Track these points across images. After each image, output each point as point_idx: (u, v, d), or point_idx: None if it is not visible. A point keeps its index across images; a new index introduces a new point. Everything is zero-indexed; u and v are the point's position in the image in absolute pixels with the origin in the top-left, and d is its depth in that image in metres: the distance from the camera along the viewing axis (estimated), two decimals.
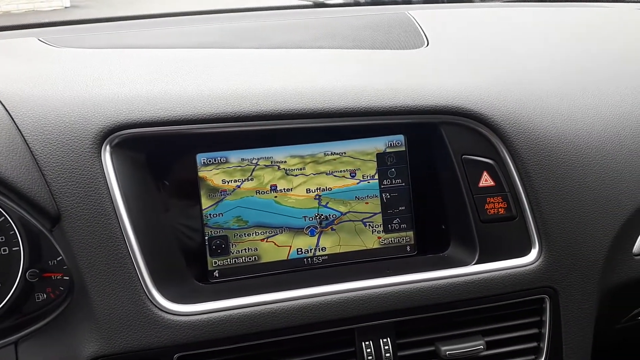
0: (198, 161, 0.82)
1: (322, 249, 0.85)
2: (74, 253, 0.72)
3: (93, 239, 0.72)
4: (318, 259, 0.85)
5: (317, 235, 0.85)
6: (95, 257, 0.72)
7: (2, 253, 0.73)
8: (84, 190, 0.72)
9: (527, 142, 0.83)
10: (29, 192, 0.70)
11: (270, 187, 0.83)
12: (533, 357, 0.83)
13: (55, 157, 0.72)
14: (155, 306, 0.72)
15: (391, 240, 0.87)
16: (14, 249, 0.73)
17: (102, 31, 1.27)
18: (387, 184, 0.86)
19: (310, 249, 0.85)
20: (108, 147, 0.74)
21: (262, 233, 0.84)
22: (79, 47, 1.04)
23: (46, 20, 1.40)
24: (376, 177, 0.86)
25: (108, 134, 0.74)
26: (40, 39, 1.10)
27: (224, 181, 0.82)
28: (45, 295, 0.77)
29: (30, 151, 0.72)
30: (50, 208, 0.71)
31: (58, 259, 0.76)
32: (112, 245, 0.72)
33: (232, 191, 0.82)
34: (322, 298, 0.76)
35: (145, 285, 0.73)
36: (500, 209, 0.82)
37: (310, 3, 1.64)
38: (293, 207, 0.84)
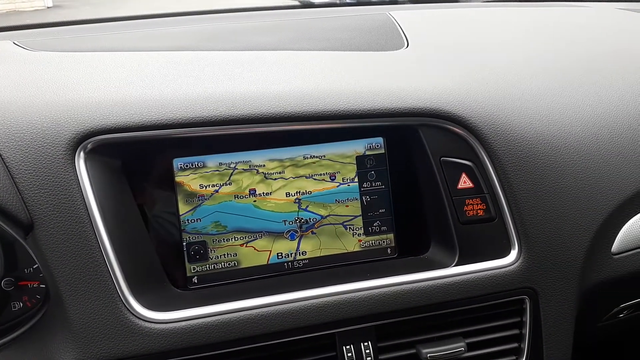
0: (175, 166, 0.81)
1: (302, 253, 0.84)
2: (48, 262, 0.71)
3: (67, 248, 0.70)
4: (298, 263, 0.84)
5: (297, 239, 0.84)
6: (70, 265, 0.70)
7: None
8: (58, 198, 0.71)
9: (505, 143, 0.83)
10: (0, 201, 0.69)
11: (249, 191, 0.83)
12: (514, 357, 0.84)
13: (27, 164, 0.71)
14: (133, 314, 0.71)
15: (372, 243, 0.87)
16: None
17: (81, 33, 1.25)
18: (367, 187, 0.86)
19: (291, 253, 0.84)
20: (82, 153, 0.73)
21: (242, 238, 0.83)
22: (54, 51, 1.02)
23: (27, 21, 1.38)
24: (356, 180, 0.86)
25: (82, 140, 0.73)
26: (15, 42, 1.08)
27: (201, 186, 0.81)
28: (21, 304, 0.76)
29: (1, 158, 0.71)
30: (22, 217, 0.70)
31: (34, 267, 0.75)
32: (87, 254, 0.71)
33: (210, 196, 0.82)
34: (302, 303, 0.76)
35: (122, 293, 0.71)
36: (479, 211, 0.83)
37: (296, 3, 1.64)
38: (272, 211, 0.83)
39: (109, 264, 0.71)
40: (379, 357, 0.78)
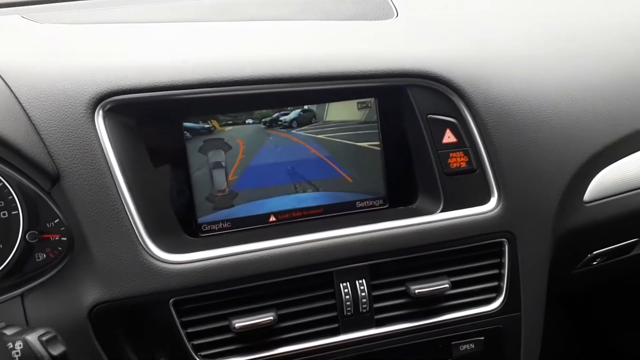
0: (185, 126, 0.88)
1: (302, 203, 0.92)
2: (74, 210, 0.78)
3: (91, 196, 0.78)
4: (299, 213, 0.92)
5: (299, 191, 0.92)
6: (93, 212, 0.78)
7: (2, 217, 0.79)
8: (80, 152, 0.78)
9: (486, 102, 0.91)
10: (31, 154, 0.76)
11: (255, 148, 0.90)
12: (494, 294, 0.92)
13: (52, 121, 0.78)
14: (151, 256, 0.79)
15: (365, 196, 0.95)
16: (13, 212, 0.79)
17: (87, 8, 1.30)
18: (360, 144, 0.94)
19: (292, 204, 0.92)
20: (101, 112, 0.80)
21: (247, 192, 0.90)
22: (64, 23, 1.08)
23: None
24: (350, 137, 0.93)
25: (100, 99, 0.80)
26: (23, 16, 1.14)
27: (209, 145, 0.88)
28: (44, 255, 0.83)
29: (28, 117, 0.78)
30: (50, 168, 0.77)
31: (55, 221, 0.82)
32: (108, 201, 0.78)
33: (217, 153, 0.89)
34: (304, 245, 0.84)
35: (141, 237, 0.79)
36: (462, 163, 0.91)
37: None
38: (275, 162, 0.91)
39: (128, 211, 0.79)
40: (372, 294, 0.87)
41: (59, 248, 0.83)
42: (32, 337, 0.63)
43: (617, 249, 1.15)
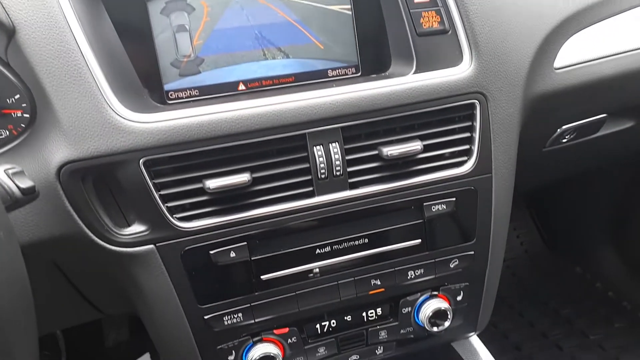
0: None
1: (272, 71, 0.90)
2: (33, 67, 0.74)
3: (50, 50, 0.74)
4: (269, 81, 0.90)
5: (268, 58, 0.90)
6: (54, 67, 0.74)
7: None
8: (36, 5, 0.74)
9: None
10: None
11: (220, 10, 0.86)
12: (465, 158, 0.93)
13: None
14: (117, 114, 0.76)
15: (337, 64, 0.93)
16: None
17: None
18: (330, 8, 0.91)
19: (261, 71, 0.90)
20: None
21: (215, 58, 0.87)
22: None
23: None
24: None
25: None
26: None
27: (170, 8, 0.85)
28: (7, 133, 0.81)
29: None
30: (4, 20, 0.73)
31: (16, 97, 0.79)
32: (69, 55, 0.75)
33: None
34: (276, 106, 0.82)
35: (105, 94, 0.76)
36: (434, 23, 0.89)
37: None
38: (243, 26, 0.88)
39: (90, 67, 0.76)
40: (346, 157, 0.87)
41: (22, 125, 0.81)
42: None
43: (586, 125, 1.17)
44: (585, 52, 1.02)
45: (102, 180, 0.80)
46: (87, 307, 1.09)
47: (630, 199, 1.93)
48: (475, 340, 1.14)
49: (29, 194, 0.59)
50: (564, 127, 1.14)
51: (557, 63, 1.00)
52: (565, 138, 1.18)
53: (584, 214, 2.13)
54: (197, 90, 0.88)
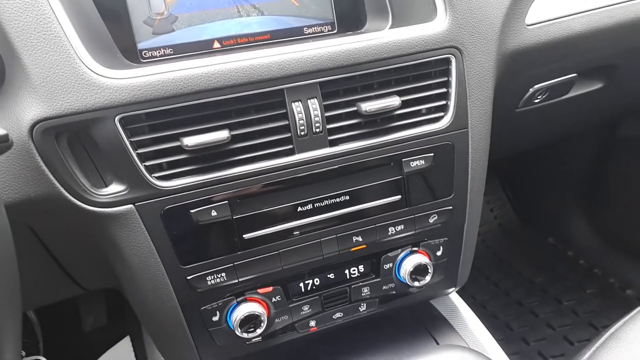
0: None
1: (247, 29, 0.89)
2: (0, 23, 0.72)
3: (16, 3, 0.72)
4: (244, 39, 0.89)
5: (242, 15, 0.89)
6: (22, 21, 0.72)
7: None
8: None
9: None
10: None
11: None
12: (442, 113, 0.94)
13: None
14: (90, 70, 0.75)
15: (313, 22, 0.92)
16: None
17: None
18: None
19: (236, 29, 0.89)
20: None
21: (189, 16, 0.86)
22: None
23: None
24: None
25: None
26: None
27: None
28: None
29: None
30: None
31: None
32: (36, 9, 0.73)
33: None
34: (252, 61, 0.81)
35: (77, 50, 0.74)
36: None
37: None
38: None
39: (59, 21, 0.73)
40: (325, 114, 0.86)
41: None
42: None
43: (557, 85, 1.20)
44: (557, 8, 1.04)
45: (78, 140, 0.78)
46: (66, 281, 1.06)
47: (599, 169, 2.00)
48: (454, 296, 1.16)
49: (2, 142, 0.57)
50: (535, 86, 1.16)
51: (529, 19, 1.01)
52: (537, 98, 1.21)
53: (555, 186, 2.19)
54: (171, 49, 0.87)
